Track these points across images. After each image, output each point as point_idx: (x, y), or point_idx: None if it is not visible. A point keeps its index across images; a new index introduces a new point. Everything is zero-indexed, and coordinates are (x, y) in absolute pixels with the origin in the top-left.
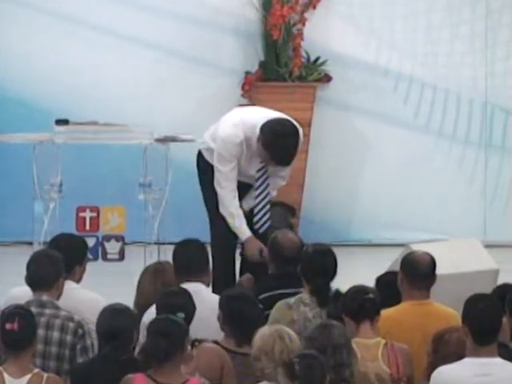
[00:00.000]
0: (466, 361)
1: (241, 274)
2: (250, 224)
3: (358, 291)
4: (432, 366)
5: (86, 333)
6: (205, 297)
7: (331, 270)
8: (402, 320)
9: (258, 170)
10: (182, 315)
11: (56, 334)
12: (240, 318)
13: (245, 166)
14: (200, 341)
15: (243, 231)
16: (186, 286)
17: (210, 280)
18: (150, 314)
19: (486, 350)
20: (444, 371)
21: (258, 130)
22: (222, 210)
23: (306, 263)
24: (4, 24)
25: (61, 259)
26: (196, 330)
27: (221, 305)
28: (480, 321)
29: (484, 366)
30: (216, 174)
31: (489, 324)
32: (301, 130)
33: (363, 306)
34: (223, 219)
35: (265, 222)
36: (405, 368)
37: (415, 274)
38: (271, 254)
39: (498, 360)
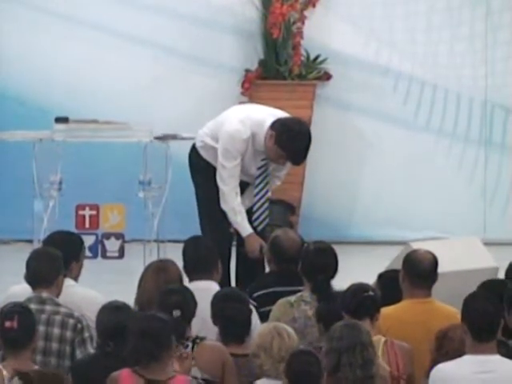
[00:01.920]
0: (466, 358)
1: (237, 271)
2: (249, 221)
3: (358, 289)
4: (435, 364)
5: (85, 327)
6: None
7: (332, 267)
8: (403, 318)
9: (259, 168)
10: (178, 313)
11: (56, 331)
12: (225, 318)
13: (247, 163)
14: (202, 338)
15: (245, 227)
16: (197, 283)
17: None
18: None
19: (485, 347)
20: (443, 368)
21: (265, 128)
22: (224, 206)
23: (307, 261)
24: (4, 24)
25: (60, 257)
26: (205, 327)
27: (211, 304)
28: (479, 318)
29: (483, 363)
30: (220, 170)
31: (488, 321)
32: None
33: (363, 303)
34: (215, 218)
35: (263, 220)
36: (405, 366)
37: (417, 272)
38: (272, 253)
39: (498, 357)
